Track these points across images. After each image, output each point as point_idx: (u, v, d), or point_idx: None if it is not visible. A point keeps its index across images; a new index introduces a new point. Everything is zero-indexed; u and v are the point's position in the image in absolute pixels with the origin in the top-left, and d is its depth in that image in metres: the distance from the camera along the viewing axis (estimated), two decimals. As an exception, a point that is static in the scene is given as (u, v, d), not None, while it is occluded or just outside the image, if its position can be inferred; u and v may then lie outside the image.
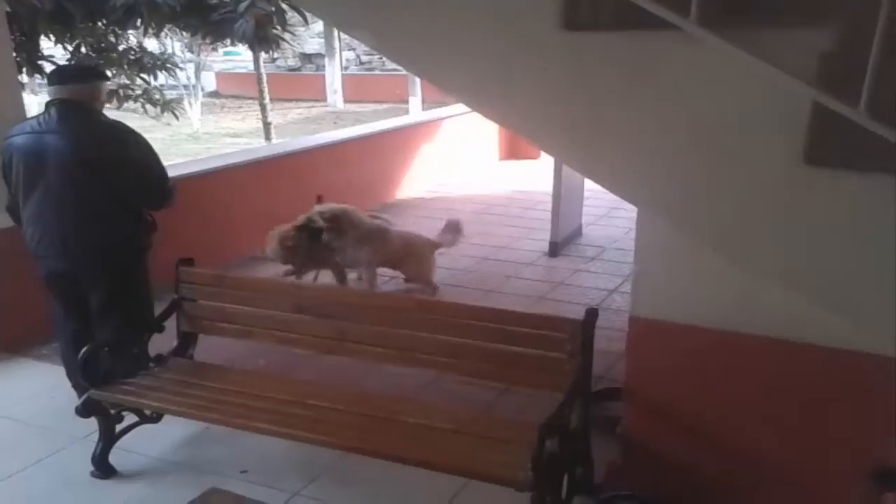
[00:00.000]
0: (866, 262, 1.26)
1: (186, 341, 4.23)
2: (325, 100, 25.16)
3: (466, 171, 10.88)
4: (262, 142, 13.28)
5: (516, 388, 4.06)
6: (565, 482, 3.27)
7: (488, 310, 4.01)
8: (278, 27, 7.93)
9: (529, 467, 2.93)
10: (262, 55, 12.55)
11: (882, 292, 1.25)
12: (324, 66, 26.35)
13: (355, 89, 25.53)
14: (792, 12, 1.18)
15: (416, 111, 17.45)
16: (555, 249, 7.29)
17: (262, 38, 7.79)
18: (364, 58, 33.57)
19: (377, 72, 29.47)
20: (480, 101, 1.52)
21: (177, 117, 9.28)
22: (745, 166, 1.28)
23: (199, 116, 21.04)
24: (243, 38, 7.62)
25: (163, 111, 8.82)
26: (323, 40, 26.21)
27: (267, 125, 13.01)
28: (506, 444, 3.29)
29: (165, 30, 8.53)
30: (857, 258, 1.26)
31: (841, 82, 1.14)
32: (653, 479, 3.36)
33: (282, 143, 11.57)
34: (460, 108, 12.13)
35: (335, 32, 24.85)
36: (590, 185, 8.51)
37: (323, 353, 4.08)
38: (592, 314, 3.34)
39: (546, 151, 1.50)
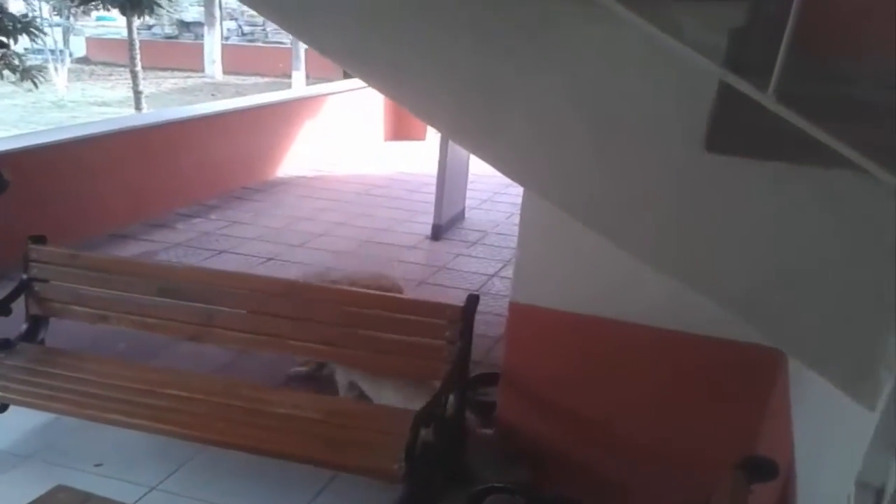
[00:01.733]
0: (761, 253, 1.20)
1: (36, 325, 3.89)
2: (202, 70, 24.15)
3: (351, 151, 10.64)
4: (133, 111, 12.56)
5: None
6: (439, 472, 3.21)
7: (367, 295, 3.85)
8: (154, -9, 7.49)
9: (403, 458, 2.84)
10: (137, 21, 11.88)
11: (774, 285, 1.20)
12: (203, 36, 25.28)
13: (236, 61, 24.66)
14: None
15: (299, 86, 17.02)
16: (437, 233, 7.23)
17: (136, 3, 7.34)
18: (246, 28, 32.54)
19: (260, 43, 28.63)
20: (369, 70, 1.37)
21: (36, 85, 8.64)
22: (643, 149, 1.20)
23: (66, 83, 19.82)
24: (114, 2, 7.14)
25: (22, 78, 8.20)
26: (203, 8, 25.13)
27: (138, 94, 12.30)
28: (378, 434, 3.15)
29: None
30: (752, 249, 1.20)
31: (749, 64, 1.06)
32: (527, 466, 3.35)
33: (153, 112, 10.95)
34: (346, 84, 11.87)
35: (216, 1, 23.90)
36: (474, 169, 8.51)
37: (187, 338, 3.84)
38: (473, 301, 3.28)
39: (433, 125, 1.38)
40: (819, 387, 2.12)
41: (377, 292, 4.13)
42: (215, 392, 3.45)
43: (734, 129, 1.17)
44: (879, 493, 1.18)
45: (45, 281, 3.85)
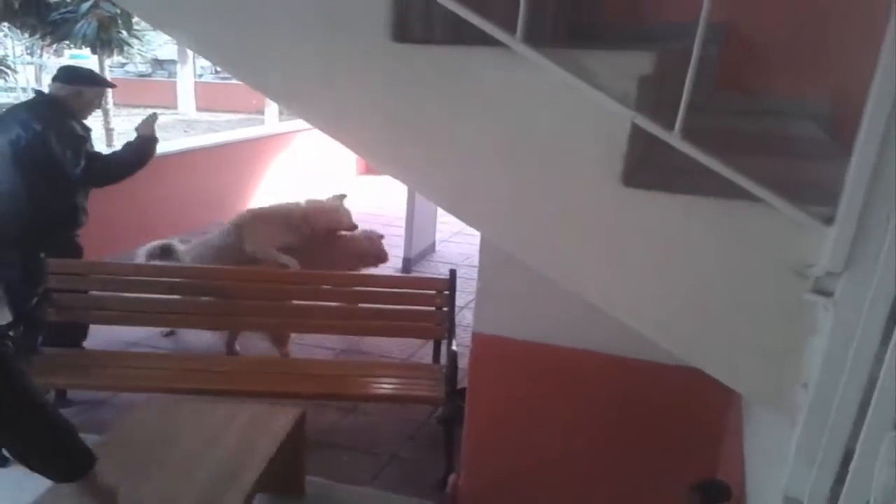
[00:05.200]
0: (676, 279, 1.28)
1: (63, 332, 4.44)
2: (175, 107, 24.17)
3: (324, 185, 10.70)
4: (104, 148, 12.51)
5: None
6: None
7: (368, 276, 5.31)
8: (124, 31, 7.54)
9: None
10: (109, 59, 11.92)
11: (688, 309, 1.28)
12: (176, 73, 25.34)
13: (209, 97, 24.70)
14: (613, 39, 1.19)
15: (272, 122, 17.08)
16: (407, 266, 7.28)
17: (106, 41, 7.38)
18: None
19: (233, 81, 28.68)
20: (301, 105, 1.44)
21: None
22: (565, 186, 1.28)
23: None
24: (85, 41, 7.19)
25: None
26: (177, 45, 25.22)
27: (109, 131, 12.29)
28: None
29: (5, 30, 7.94)
30: (666, 276, 1.28)
31: (658, 106, 1.15)
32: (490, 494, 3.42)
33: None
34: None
35: (189, 38, 23.94)
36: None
37: (208, 329, 4.86)
38: (453, 273, 4.46)
39: (366, 157, 1.46)
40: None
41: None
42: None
43: (649, 165, 1.25)
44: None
45: (63, 291, 4.29)
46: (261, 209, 5.67)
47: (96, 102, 4.63)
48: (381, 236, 6.00)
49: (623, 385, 3.13)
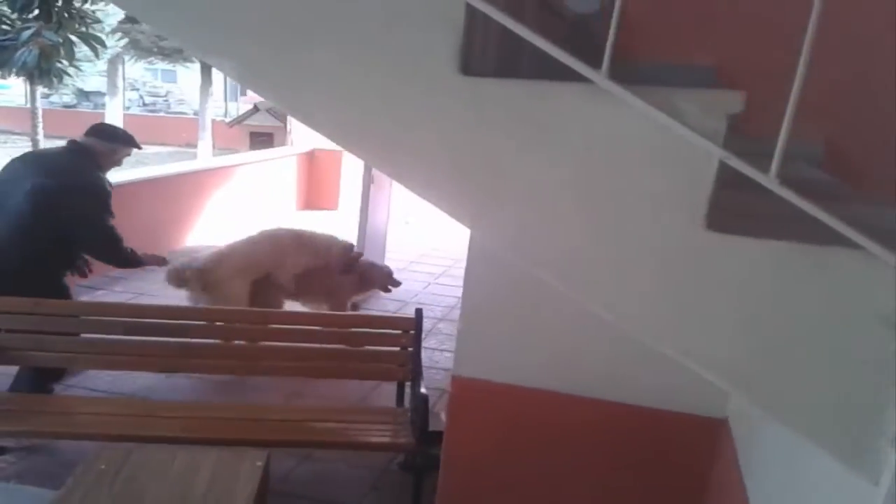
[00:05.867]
0: (758, 327, 1.21)
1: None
2: (103, 140, 23.44)
3: (263, 220, 10.49)
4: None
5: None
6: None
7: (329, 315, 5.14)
8: (65, 60, 7.25)
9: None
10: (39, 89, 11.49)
11: (771, 359, 1.21)
12: (103, 105, 24.68)
13: (137, 130, 23.35)
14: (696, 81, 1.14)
15: (206, 155, 16.75)
16: (355, 303, 7.11)
17: (45, 71, 7.08)
18: (148, 99, 32.09)
19: (162, 113, 28.21)
20: (363, 145, 1.33)
21: None
22: (643, 228, 1.21)
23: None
24: (23, 69, 6.87)
25: None
26: (104, 78, 24.64)
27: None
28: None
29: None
30: (749, 323, 1.21)
31: (747, 146, 1.09)
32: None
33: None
34: (256, 155, 11.72)
35: (119, 70, 23.50)
36: (392, 239, 8.46)
37: (159, 371, 4.58)
38: (419, 312, 4.27)
39: (432, 201, 1.37)
40: (778, 460, 2.15)
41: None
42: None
43: (734, 209, 1.19)
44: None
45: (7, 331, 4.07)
46: (299, 232, 5.97)
47: (122, 161, 4.83)
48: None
49: (609, 430, 3.08)
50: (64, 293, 4.48)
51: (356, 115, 1.30)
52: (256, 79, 1.38)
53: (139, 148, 5.16)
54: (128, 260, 4.65)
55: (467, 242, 3.12)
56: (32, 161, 4.61)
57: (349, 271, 5.97)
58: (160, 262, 5.04)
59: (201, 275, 5.54)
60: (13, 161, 4.55)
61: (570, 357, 3.06)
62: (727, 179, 1.16)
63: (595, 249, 1.25)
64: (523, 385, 3.10)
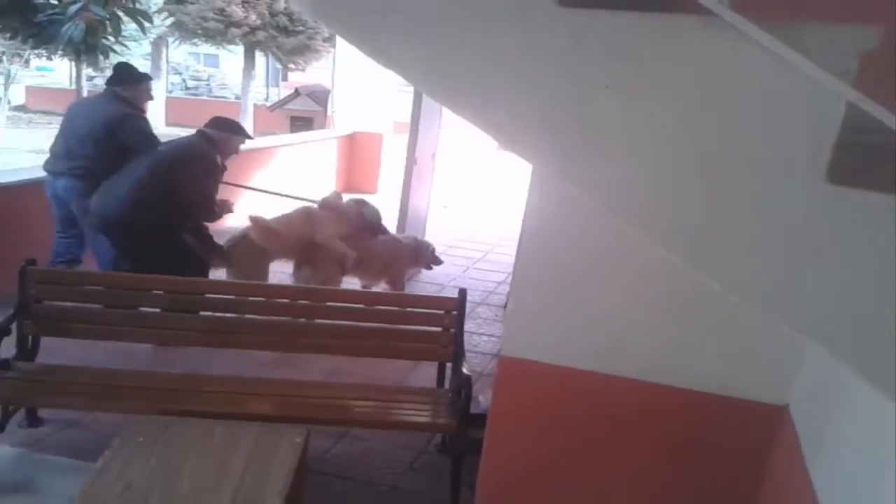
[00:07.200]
0: (880, 291, 1.07)
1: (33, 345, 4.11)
2: (146, 121, 23.69)
3: (303, 203, 10.46)
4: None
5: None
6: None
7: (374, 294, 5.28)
8: (111, 36, 7.22)
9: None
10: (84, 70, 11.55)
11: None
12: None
13: (179, 113, 24.34)
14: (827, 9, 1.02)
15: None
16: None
17: (91, 46, 7.05)
18: (190, 83, 32.37)
19: (204, 97, 28.45)
20: (443, 83, 1.23)
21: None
22: (760, 180, 1.07)
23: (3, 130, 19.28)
24: (70, 44, 6.83)
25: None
26: (148, 61, 24.88)
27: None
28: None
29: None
30: (870, 286, 1.07)
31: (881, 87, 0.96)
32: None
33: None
34: (297, 137, 11.68)
35: (163, 53, 23.73)
36: (431, 223, 8.38)
37: (204, 345, 4.43)
38: (463, 292, 4.14)
39: (519, 153, 1.27)
40: (850, 452, 2.02)
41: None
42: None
43: (860, 160, 1.05)
44: None
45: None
46: (329, 200, 6.30)
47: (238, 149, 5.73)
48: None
49: (660, 414, 2.97)
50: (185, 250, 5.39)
51: (440, 51, 1.19)
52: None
53: (250, 138, 6.14)
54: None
55: (512, 224, 3.02)
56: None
57: (383, 232, 6.26)
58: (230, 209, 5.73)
59: (227, 253, 5.76)
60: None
61: (620, 339, 2.96)
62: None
63: (706, 209, 1.12)
64: (572, 367, 3.00)
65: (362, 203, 6.28)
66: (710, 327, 2.80)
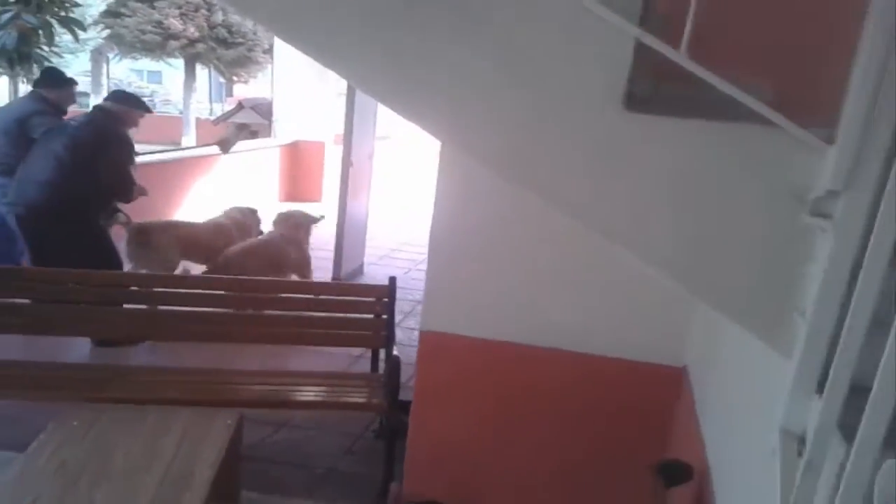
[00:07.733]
0: (682, 210, 1.26)
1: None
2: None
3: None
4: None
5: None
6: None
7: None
8: (45, 45, 7.22)
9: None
10: (21, 85, 11.39)
11: (696, 241, 1.27)
12: (87, 104, 24.53)
13: (122, 128, 23.99)
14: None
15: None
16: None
17: (25, 55, 7.05)
18: (133, 98, 31.84)
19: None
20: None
21: None
22: (564, 108, 1.26)
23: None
24: (2, 53, 6.83)
25: None
26: (89, 78, 24.57)
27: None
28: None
29: None
30: (672, 206, 1.26)
31: (663, 22, 1.14)
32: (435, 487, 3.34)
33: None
34: (237, 146, 11.67)
35: (104, 69, 23.45)
36: (373, 226, 8.51)
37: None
38: (393, 280, 4.23)
39: (366, 91, 1.42)
40: (721, 393, 2.21)
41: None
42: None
43: (652, 89, 1.24)
44: (802, 439, 1.23)
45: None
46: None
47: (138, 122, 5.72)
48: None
49: (575, 380, 3.13)
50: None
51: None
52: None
53: (150, 111, 6.04)
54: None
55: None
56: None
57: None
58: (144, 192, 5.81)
59: (139, 231, 6.00)
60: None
61: (533, 309, 3.11)
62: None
63: (522, 134, 1.30)
64: (485, 338, 3.16)
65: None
66: (613, 294, 2.99)
